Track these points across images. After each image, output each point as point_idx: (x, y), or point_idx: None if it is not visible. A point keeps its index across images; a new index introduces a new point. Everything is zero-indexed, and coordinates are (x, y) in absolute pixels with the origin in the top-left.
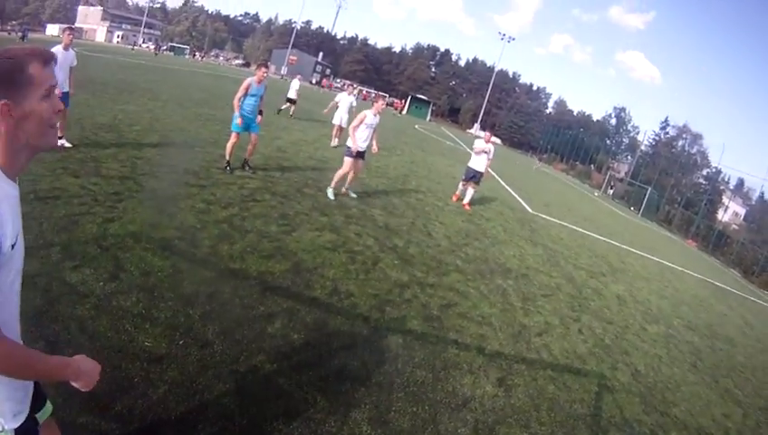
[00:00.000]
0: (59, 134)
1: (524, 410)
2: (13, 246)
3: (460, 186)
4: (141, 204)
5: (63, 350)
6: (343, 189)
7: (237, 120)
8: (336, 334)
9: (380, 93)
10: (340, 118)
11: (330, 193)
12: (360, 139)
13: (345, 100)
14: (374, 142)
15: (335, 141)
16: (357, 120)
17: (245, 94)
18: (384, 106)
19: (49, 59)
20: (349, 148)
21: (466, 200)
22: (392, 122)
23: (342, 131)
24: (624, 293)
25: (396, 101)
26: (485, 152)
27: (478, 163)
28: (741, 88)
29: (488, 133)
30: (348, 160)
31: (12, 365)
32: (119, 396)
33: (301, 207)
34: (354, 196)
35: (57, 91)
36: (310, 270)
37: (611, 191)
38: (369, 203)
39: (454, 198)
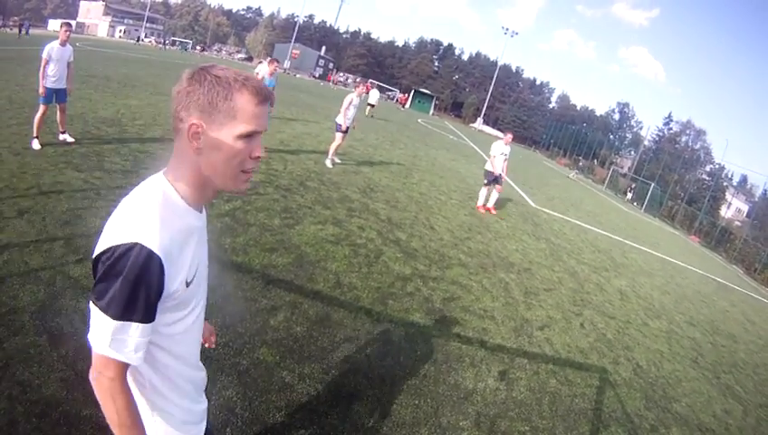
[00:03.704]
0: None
1: (526, 403)
2: (188, 284)
3: (483, 192)
4: None
5: (67, 342)
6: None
7: None
8: (338, 327)
9: (363, 80)
10: None
11: (328, 163)
12: (348, 117)
13: (264, 71)
14: (355, 121)
15: None
16: (347, 102)
17: None
18: (364, 91)
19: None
20: (339, 124)
21: (491, 204)
22: (395, 116)
23: None
24: (626, 288)
25: (399, 95)
26: (504, 154)
27: (498, 165)
28: (745, 84)
29: (510, 135)
30: (339, 135)
31: (112, 413)
32: None
33: (303, 201)
34: (339, 162)
35: (53, 96)
36: (312, 263)
37: (630, 195)
38: (371, 197)
39: (479, 208)
